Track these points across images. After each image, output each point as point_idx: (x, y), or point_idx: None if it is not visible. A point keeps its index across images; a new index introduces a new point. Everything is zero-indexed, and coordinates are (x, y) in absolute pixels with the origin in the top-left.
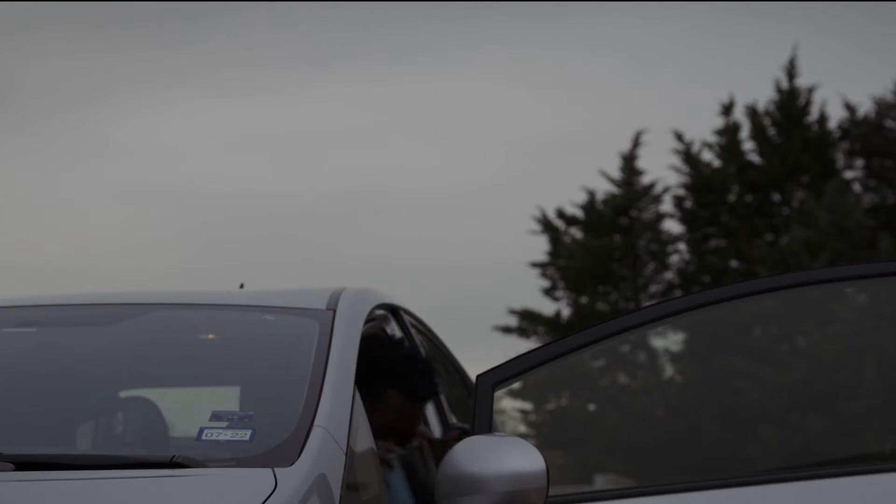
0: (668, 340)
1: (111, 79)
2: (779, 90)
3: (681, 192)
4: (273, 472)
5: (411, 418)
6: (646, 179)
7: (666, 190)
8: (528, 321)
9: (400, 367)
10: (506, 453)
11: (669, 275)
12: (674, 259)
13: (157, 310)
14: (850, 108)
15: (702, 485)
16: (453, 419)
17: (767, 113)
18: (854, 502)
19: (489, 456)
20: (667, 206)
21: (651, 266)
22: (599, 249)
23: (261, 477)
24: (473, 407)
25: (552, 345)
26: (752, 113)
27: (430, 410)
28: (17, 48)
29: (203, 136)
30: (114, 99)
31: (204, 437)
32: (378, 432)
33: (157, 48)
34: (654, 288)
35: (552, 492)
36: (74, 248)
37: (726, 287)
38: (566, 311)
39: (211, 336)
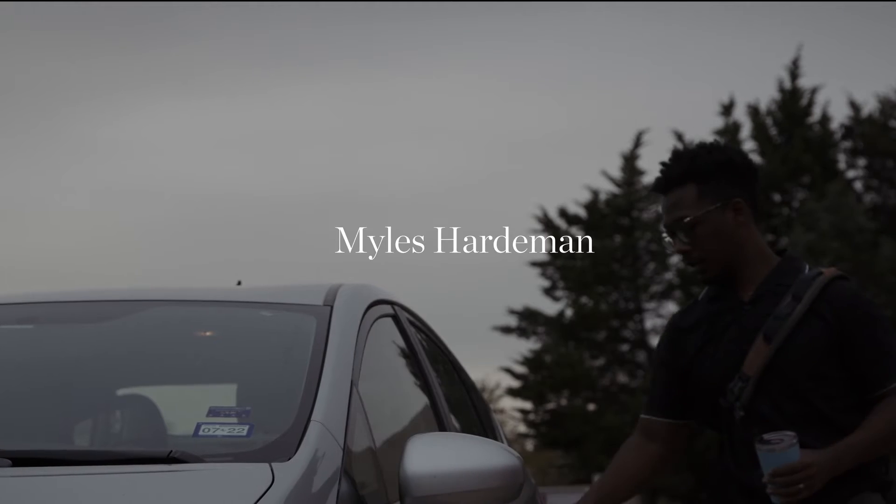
0: None
1: (101, 81)
2: (781, 90)
3: None
4: (270, 466)
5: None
6: (647, 179)
7: None
8: (528, 320)
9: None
10: (477, 449)
11: (669, 275)
12: (674, 259)
13: (154, 306)
14: (854, 105)
15: None
16: (452, 419)
17: (769, 112)
18: None
19: (460, 452)
20: None
21: (651, 266)
22: (600, 249)
23: (258, 472)
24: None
25: None
26: (754, 113)
27: (430, 410)
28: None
29: (195, 137)
30: (100, 101)
31: (201, 432)
32: None
33: (150, 50)
34: (654, 288)
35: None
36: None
37: None
38: (569, 312)
39: (208, 333)
